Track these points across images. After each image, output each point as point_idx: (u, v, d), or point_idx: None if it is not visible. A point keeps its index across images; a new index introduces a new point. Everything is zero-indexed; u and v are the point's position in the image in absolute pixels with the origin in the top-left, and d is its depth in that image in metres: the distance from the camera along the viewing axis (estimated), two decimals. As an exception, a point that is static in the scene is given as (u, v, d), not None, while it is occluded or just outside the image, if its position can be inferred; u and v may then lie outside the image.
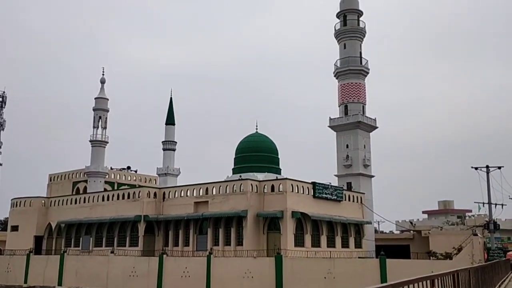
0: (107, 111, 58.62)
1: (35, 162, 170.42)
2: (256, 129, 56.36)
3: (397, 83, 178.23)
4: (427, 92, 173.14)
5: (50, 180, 63.55)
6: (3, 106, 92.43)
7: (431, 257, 36.53)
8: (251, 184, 40.79)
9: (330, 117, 54.99)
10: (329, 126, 54.93)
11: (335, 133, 54.76)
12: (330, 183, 46.45)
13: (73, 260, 41.26)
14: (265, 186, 41.25)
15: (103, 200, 48.37)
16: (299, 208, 39.53)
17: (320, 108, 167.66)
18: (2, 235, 58.26)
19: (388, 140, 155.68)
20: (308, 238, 40.33)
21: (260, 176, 47.25)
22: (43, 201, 53.16)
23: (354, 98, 54.29)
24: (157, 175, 67.88)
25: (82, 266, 40.16)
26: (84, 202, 49.83)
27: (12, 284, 41.82)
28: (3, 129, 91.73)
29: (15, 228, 52.31)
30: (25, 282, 41.99)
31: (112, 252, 41.17)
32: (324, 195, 42.88)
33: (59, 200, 52.34)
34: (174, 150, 69.06)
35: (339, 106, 55.77)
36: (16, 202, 53.44)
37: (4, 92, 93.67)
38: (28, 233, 50.63)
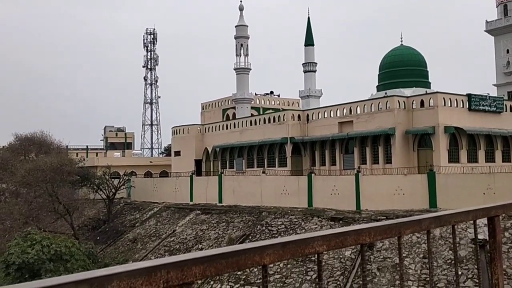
0: (248, 38, 59.80)
1: (188, 92, 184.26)
2: (401, 41, 52.80)
3: None
4: None
5: (203, 109, 68.41)
6: (155, 42, 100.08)
7: None
8: (398, 101, 39.00)
9: (486, 20, 49.04)
10: (486, 31, 49.16)
11: (493, 38, 48.99)
12: (488, 93, 42.37)
13: (230, 180, 44.71)
14: (414, 102, 39.12)
15: (251, 124, 50.80)
16: (452, 123, 36.98)
17: (474, 10, 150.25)
18: (167, 160, 65.30)
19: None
20: (463, 154, 37.86)
21: (407, 91, 44.79)
22: (198, 128, 57.76)
23: (516, -5, 47.37)
24: (299, 98, 68.64)
25: (238, 185, 43.39)
26: (234, 127, 52.90)
27: (180, 202, 47.15)
28: (157, 64, 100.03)
29: (177, 153, 58.13)
30: (191, 200, 46.97)
31: (263, 172, 43.63)
32: (482, 107, 39.32)
33: (212, 127, 56.36)
34: (315, 71, 68.52)
35: (497, 7, 49.25)
36: (176, 130, 58.90)
37: (154, 29, 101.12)
38: (189, 157, 55.92)
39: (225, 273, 1.47)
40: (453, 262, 24.59)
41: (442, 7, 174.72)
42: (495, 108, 40.16)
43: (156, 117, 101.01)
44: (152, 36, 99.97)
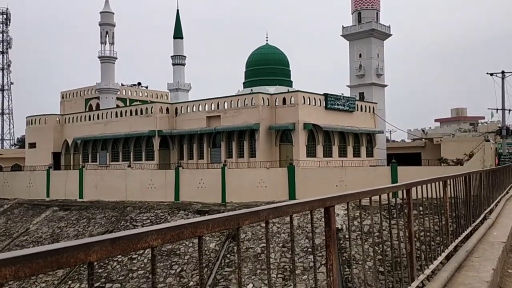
0: (114, 25, 57.27)
1: (47, 79, 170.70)
2: (267, 41, 54.97)
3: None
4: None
5: (63, 98, 63.84)
6: (8, 23, 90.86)
7: (442, 164, 36.95)
8: (262, 98, 40.62)
9: (342, 26, 53.32)
10: (342, 35, 53.41)
11: (348, 42, 53.38)
12: (342, 94, 46.08)
13: (92, 175, 42.54)
14: (277, 99, 41.08)
15: (116, 116, 48.83)
16: (311, 120, 39.62)
17: (333, 17, 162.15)
18: (20, 152, 59.89)
19: (402, 48, 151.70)
20: (320, 149, 40.81)
21: (271, 89, 46.85)
22: (57, 118, 53.85)
23: (368, 5, 52.19)
24: (168, 91, 67.72)
25: (101, 180, 41.47)
26: (98, 118, 50.37)
27: (35, 198, 43.60)
28: (10, 47, 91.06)
29: (32, 145, 53.59)
30: (47, 196, 43.71)
31: (129, 166, 42.28)
32: (336, 106, 42.69)
33: (73, 117, 52.98)
34: (183, 65, 68.13)
35: (352, 14, 53.83)
36: (32, 119, 54.22)
37: (7, 8, 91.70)
38: (46, 150, 51.91)
39: (44, 273, 1.40)
40: (309, 250, 26.37)
41: (300, 9, 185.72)
42: (348, 108, 43.89)
43: (8, 105, 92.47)
44: (5, 16, 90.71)
